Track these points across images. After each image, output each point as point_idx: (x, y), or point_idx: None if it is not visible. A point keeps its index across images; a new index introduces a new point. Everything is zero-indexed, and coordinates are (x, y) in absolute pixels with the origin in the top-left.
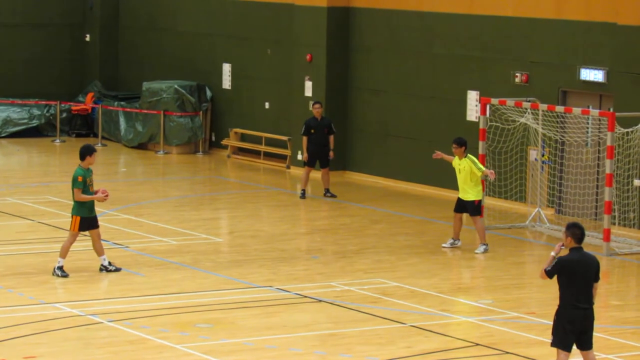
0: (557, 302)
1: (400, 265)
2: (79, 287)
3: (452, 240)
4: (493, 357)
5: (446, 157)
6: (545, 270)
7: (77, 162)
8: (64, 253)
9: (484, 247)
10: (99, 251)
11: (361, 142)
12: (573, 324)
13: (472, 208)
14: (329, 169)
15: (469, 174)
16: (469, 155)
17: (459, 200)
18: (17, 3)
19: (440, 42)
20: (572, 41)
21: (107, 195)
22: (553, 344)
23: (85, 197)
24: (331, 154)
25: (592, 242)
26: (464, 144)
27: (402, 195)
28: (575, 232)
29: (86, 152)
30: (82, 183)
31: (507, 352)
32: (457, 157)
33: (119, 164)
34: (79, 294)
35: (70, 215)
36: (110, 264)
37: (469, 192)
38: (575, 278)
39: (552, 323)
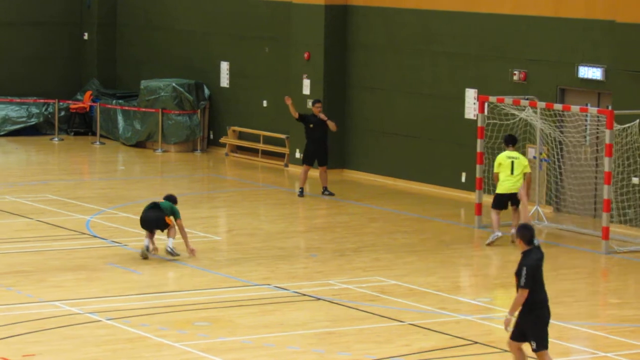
0: (555, 299)
1: (399, 264)
2: (77, 285)
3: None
4: (492, 356)
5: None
6: (521, 287)
7: (73, 160)
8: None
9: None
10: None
11: (359, 140)
12: (548, 320)
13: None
14: (327, 167)
15: (521, 167)
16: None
17: (503, 195)
18: (14, 1)
19: (438, 40)
20: (571, 39)
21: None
22: (542, 347)
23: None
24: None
25: (591, 240)
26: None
27: (401, 193)
28: (525, 234)
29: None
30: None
31: (506, 351)
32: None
33: (117, 162)
34: (77, 292)
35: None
36: (173, 249)
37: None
38: (541, 276)
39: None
